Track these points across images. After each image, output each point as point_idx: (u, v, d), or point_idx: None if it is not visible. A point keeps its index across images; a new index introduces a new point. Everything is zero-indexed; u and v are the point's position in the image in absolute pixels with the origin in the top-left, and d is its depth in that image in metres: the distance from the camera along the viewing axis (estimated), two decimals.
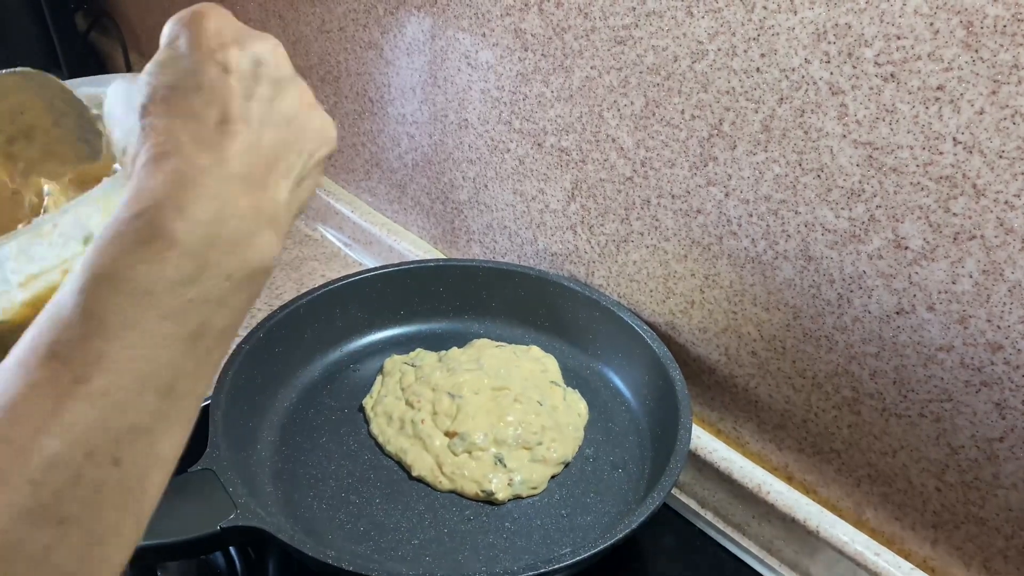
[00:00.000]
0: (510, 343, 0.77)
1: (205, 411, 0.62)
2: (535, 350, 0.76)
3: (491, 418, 0.67)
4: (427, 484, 0.65)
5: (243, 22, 0.39)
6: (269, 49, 0.38)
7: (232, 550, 0.62)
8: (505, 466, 0.65)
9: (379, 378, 0.74)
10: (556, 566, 0.51)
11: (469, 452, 0.65)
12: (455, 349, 0.76)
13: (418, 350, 0.76)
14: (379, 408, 0.70)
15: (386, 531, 0.61)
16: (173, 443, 0.32)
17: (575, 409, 0.71)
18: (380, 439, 0.68)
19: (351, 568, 0.50)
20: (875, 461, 0.60)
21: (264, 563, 0.62)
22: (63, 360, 0.29)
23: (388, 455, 0.67)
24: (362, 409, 0.71)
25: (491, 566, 0.58)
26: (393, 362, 0.74)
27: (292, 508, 0.62)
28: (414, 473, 0.65)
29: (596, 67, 0.66)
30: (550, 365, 0.75)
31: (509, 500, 0.64)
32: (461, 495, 0.64)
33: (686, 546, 0.68)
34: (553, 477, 0.66)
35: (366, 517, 0.62)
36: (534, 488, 0.65)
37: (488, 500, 0.63)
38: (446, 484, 0.64)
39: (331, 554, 0.51)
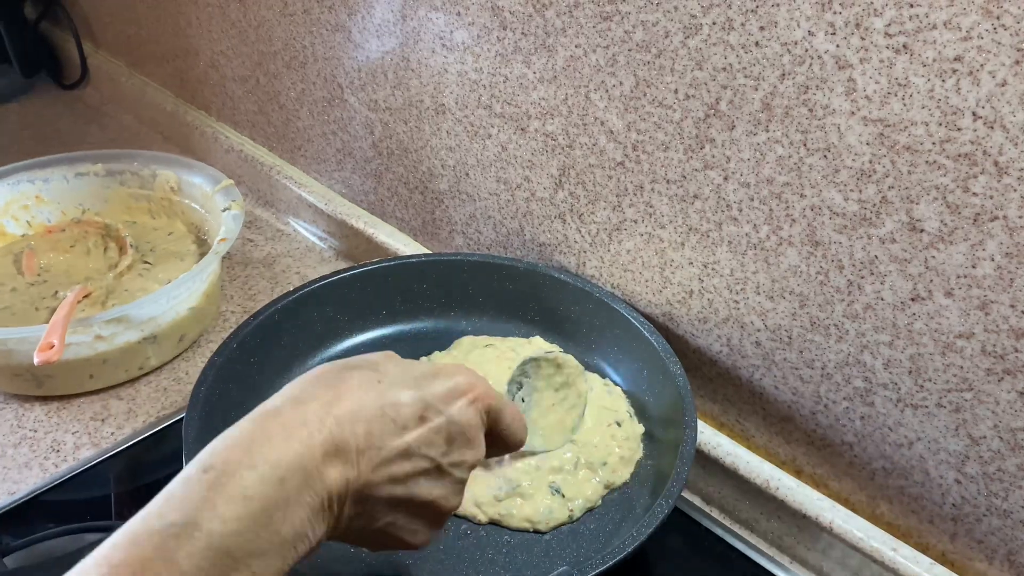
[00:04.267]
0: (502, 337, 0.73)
1: (178, 430, 0.58)
2: (538, 341, 0.73)
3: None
4: (466, 519, 0.60)
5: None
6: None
7: None
8: (563, 496, 0.60)
9: None
10: None
11: (522, 497, 0.59)
12: (437, 354, 0.71)
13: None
14: None
15: (379, 552, 0.57)
16: None
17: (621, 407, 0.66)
18: None
19: None
20: (890, 453, 0.57)
21: None
22: None
23: None
24: None
25: None
26: None
27: None
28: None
29: (581, 45, 0.62)
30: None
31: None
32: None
33: (693, 545, 0.65)
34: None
35: None
36: (592, 506, 0.60)
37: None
38: (485, 519, 0.59)
39: None
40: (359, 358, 0.44)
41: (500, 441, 0.47)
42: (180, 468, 0.53)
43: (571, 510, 0.60)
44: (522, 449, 0.50)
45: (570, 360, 0.62)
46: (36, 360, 0.63)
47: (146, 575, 0.31)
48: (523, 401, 0.60)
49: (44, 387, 0.73)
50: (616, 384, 0.70)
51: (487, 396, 0.45)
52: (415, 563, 0.56)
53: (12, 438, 0.71)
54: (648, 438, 0.65)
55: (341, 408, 0.39)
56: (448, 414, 0.42)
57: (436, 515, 0.43)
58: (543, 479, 0.60)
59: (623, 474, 0.62)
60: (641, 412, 0.67)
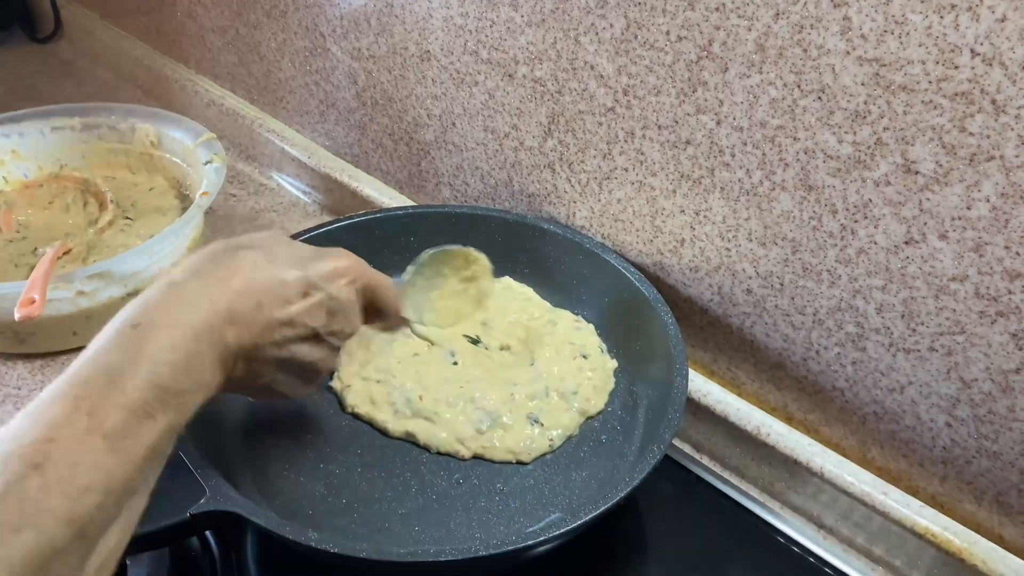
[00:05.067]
0: None
1: None
2: (507, 280, 0.73)
3: (510, 372, 0.64)
4: (450, 456, 0.61)
5: None
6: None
7: (207, 531, 0.58)
8: (542, 424, 0.61)
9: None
10: (554, 533, 0.48)
11: (503, 429, 0.61)
12: None
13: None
14: (354, 395, 0.64)
15: (370, 502, 0.57)
16: None
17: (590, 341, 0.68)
18: (380, 427, 0.62)
19: (335, 550, 0.46)
20: (881, 398, 0.57)
21: (241, 542, 0.58)
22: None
23: (396, 439, 0.62)
24: (333, 391, 0.65)
25: (485, 533, 0.55)
26: None
27: (267, 484, 0.58)
28: (432, 451, 0.61)
29: None
30: (529, 293, 0.72)
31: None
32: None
33: (684, 492, 0.65)
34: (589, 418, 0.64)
35: (348, 488, 0.58)
36: (571, 435, 0.62)
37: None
38: (468, 454, 0.60)
39: (313, 536, 0.47)
40: (249, 238, 0.49)
41: (378, 312, 0.55)
42: None
43: (551, 439, 0.61)
44: (414, 321, 0.61)
45: (481, 259, 0.65)
46: (17, 315, 0.62)
47: (104, 403, 0.37)
48: (427, 280, 0.63)
49: (26, 344, 0.72)
50: (589, 322, 0.70)
51: (364, 276, 0.52)
52: (408, 513, 0.56)
53: None
54: (640, 387, 0.65)
55: (237, 283, 0.45)
56: (328, 291, 0.49)
57: (312, 374, 0.52)
58: (522, 409, 0.62)
59: (597, 403, 0.64)
60: (632, 360, 0.67)
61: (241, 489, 0.53)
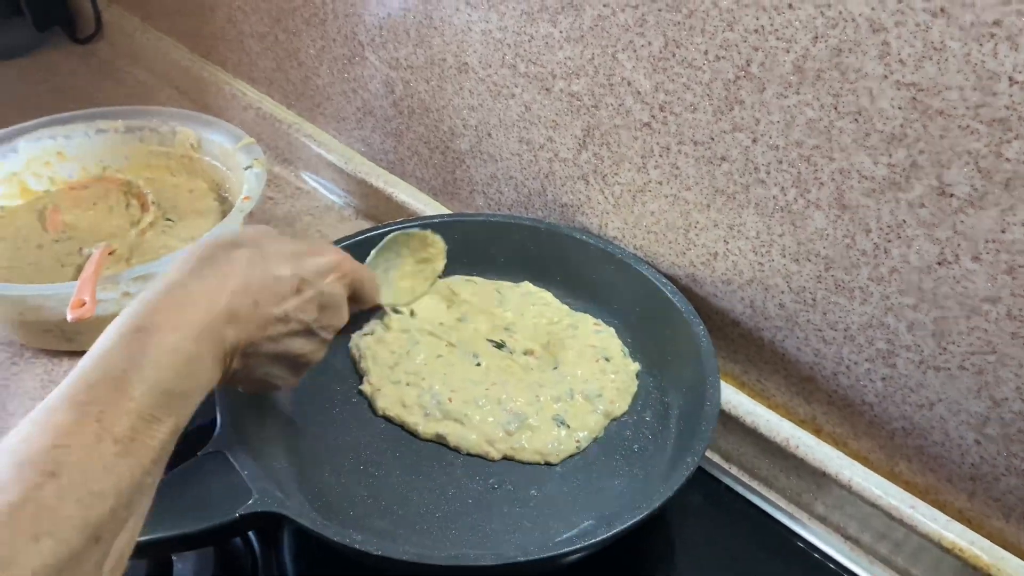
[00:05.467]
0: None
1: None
2: (527, 286, 0.75)
3: (535, 374, 0.66)
4: (480, 457, 0.62)
5: None
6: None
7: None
8: (568, 426, 0.63)
9: (362, 364, 0.69)
10: (590, 541, 0.50)
11: (531, 430, 0.63)
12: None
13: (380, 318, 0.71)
14: (384, 398, 0.65)
15: (408, 504, 0.58)
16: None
17: (610, 344, 0.69)
18: (411, 429, 0.64)
19: (379, 552, 0.48)
20: (910, 414, 0.58)
21: (279, 540, 0.60)
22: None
23: (427, 440, 0.64)
24: (363, 394, 0.67)
25: (521, 538, 0.56)
26: (357, 345, 0.70)
27: (309, 484, 0.59)
28: (463, 453, 0.62)
29: (609, 4, 0.61)
30: (548, 298, 0.74)
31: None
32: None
33: (713, 502, 0.66)
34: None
35: (387, 490, 0.59)
36: (596, 437, 0.64)
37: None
38: (498, 456, 0.62)
39: (357, 538, 0.49)
40: (241, 235, 0.51)
41: (359, 302, 0.57)
42: (210, 420, 0.55)
43: (578, 441, 0.63)
44: (385, 304, 0.62)
45: (438, 242, 0.67)
46: (69, 317, 0.64)
47: (110, 407, 0.38)
48: (386, 261, 0.65)
49: (74, 342, 0.74)
50: (617, 329, 0.72)
51: (353, 271, 0.54)
52: (445, 516, 0.58)
53: (43, 392, 0.72)
54: (672, 396, 0.66)
55: (234, 283, 0.47)
56: (319, 287, 0.51)
57: (303, 366, 0.54)
58: (547, 411, 0.63)
59: (621, 405, 0.66)
60: (663, 370, 0.68)
61: (285, 490, 0.55)
